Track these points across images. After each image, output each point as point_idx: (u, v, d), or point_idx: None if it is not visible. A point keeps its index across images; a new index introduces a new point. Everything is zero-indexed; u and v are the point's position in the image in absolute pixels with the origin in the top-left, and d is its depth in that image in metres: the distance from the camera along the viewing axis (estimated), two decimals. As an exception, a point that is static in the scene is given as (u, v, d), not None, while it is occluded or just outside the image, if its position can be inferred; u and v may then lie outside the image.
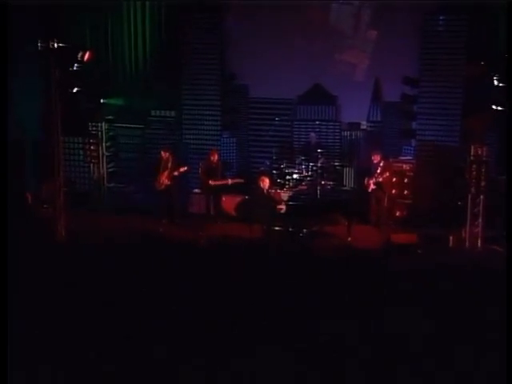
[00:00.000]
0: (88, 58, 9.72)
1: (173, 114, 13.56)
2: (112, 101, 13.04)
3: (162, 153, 11.58)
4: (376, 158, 11.23)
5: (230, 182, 11.54)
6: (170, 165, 11.51)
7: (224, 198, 11.92)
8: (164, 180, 11.51)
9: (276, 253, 7.90)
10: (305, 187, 12.08)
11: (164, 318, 5.74)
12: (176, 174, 11.41)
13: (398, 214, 11.75)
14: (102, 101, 12.76)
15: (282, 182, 12.26)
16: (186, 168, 11.50)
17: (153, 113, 13.63)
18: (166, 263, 7.00)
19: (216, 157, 11.68)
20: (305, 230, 10.77)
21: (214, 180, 11.52)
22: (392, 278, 6.86)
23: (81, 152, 12.91)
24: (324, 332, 5.58)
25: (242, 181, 11.62)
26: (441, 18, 11.57)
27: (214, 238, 9.15)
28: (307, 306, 5.97)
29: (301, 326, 5.61)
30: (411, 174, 11.79)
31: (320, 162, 12.23)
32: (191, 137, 13.46)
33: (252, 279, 6.45)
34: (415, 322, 5.71)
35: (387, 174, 11.11)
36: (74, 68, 9.36)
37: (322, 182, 12.07)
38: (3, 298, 4.97)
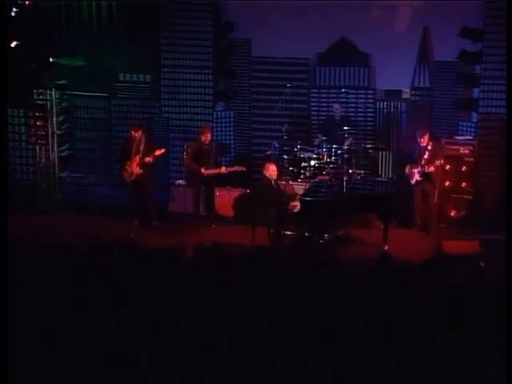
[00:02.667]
0: (31, 1, 9.67)
1: (148, 78, 13.57)
2: (65, 60, 13.01)
3: (133, 131, 11.60)
4: (423, 139, 11.23)
5: (225, 170, 11.55)
6: (142, 147, 11.53)
7: (218, 193, 11.94)
8: (135, 168, 11.52)
9: (288, 265, 7.89)
10: (326, 177, 12.06)
11: (137, 347, 5.77)
12: (150, 159, 11.43)
13: (452, 213, 11.76)
14: (51, 60, 12.74)
15: (296, 170, 12.26)
16: (163, 151, 11.51)
17: (121, 77, 13.66)
18: (139, 279, 7.00)
19: (209, 136, 11.69)
20: (326, 236, 10.79)
21: (207, 168, 11.52)
22: (445, 300, 6.84)
23: (23, 129, 12.93)
24: (352, 369, 5.58)
25: (243, 169, 11.64)
26: None
27: (205, 245, 9.15)
28: (330, 334, 5.96)
29: (322, 360, 5.61)
30: (471, 159, 11.77)
31: (347, 143, 12.23)
32: (173, 110, 13.47)
33: (257, 300, 6.45)
34: (478, 360, 5.69)
35: (438, 159, 11.11)
36: (12, 14, 9.30)
37: (350, 171, 12.06)
38: None
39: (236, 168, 11.70)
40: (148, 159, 11.42)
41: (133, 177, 11.58)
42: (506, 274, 7.51)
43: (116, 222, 11.57)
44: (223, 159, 12.43)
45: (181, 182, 12.55)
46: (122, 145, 12.19)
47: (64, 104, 13.31)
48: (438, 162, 11.09)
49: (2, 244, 6.88)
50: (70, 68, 13.14)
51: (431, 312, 6.47)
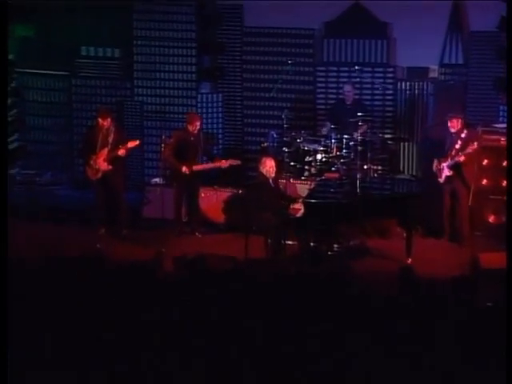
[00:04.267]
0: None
1: (117, 53, 13.53)
2: (15, 30, 12.98)
3: (99, 118, 11.57)
4: (454, 126, 11.22)
5: (225, 163, 11.52)
6: (111, 138, 11.52)
7: (203, 194, 11.92)
8: (102, 163, 11.50)
9: (289, 283, 7.87)
10: (336, 175, 12.06)
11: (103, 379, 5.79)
12: (121, 152, 11.41)
13: (490, 218, 11.75)
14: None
15: (299, 166, 12.25)
16: (137, 142, 11.50)
17: (84, 51, 13.61)
18: (106, 299, 6.98)
19: (197, 125, 11.66)
20: (336, 246, 10.75)
21: (192, 163, 11.50)
22: (482, 325, 6.83)
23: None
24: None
25: (238, 162, 11.63)
26: None
27: (187, 258, 9.13)
28: (341, 368, 5.94)
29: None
30: (513, 152, 11.77)
31: (361, 133, 12.22)
32: (148, 92, 13.44)
33: (250, 326, 6.44)
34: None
35: (473, 152, 11.08)
36: None
37: (365, 167, 12.07)
38: None
39: (230, 161, 11.68)
40: (118, 152, 11.39)
41: (99, 174, 11.55)
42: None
43: (78, 229, 11.54)
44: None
45: (157, 180, 12.53)
46: (85, 135, 12.17)
47: (13, 84, 13.27)
48: (470, 148, 11.02)
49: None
50: (19, 39, 13.11)
51: (465, 339, 6.47)
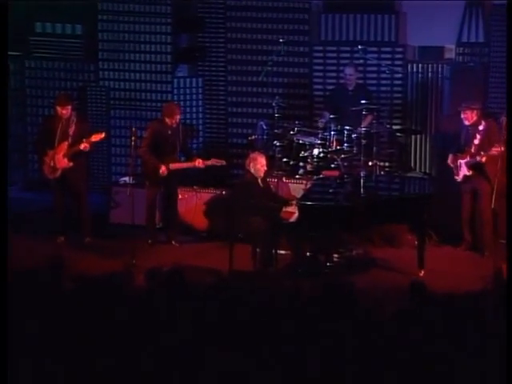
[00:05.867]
0: None
1: (78, 30, 13.53)
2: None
3: (58, 107, 11.58)
4: (468, 118, 11.26)
5: (201, 163, 11.54)
6: (72, 130, 11.54)
7: (181, 195, 11.94)
8: (61, 160, 11.52)
9: (281, 299, 7.88)
10: (336, 173, 12.10)
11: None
12: (84, 147, 11.43)
13: (516, 224, 11.78)
14: None
15: (293, 162, 12.28)
16: (102, 135, 11.52)
17: (39, 28, 13.60)
18: (66, 320, 6.99)
19: (177, 118, 11.66)
20: (336, 256, 10.79)
21: (170, 160, 11.51)
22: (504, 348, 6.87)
23: None
24: None
25: (222, 162, 11.64)
26: None
27: (162, 271, 9.14)
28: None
29: None
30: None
31: (365, 124, 12.26)
32: (115, 76, 13.45)
33: (235, 348, 6.46)
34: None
35: (495, 147, 11.12)
36: None
37: (369, 163, 12.10)
38: None
39: (213, 161, 11.70)
40: (80, 146, 11.40)
41: (58, 173, 11.58)
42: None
43: (33, 237, 11.54)
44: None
45: (127, 179, 12.52)
46: (41, 126, 12.18)
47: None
48: (494, 150, 11.10)
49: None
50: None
51: (487, 363, 6.49)
